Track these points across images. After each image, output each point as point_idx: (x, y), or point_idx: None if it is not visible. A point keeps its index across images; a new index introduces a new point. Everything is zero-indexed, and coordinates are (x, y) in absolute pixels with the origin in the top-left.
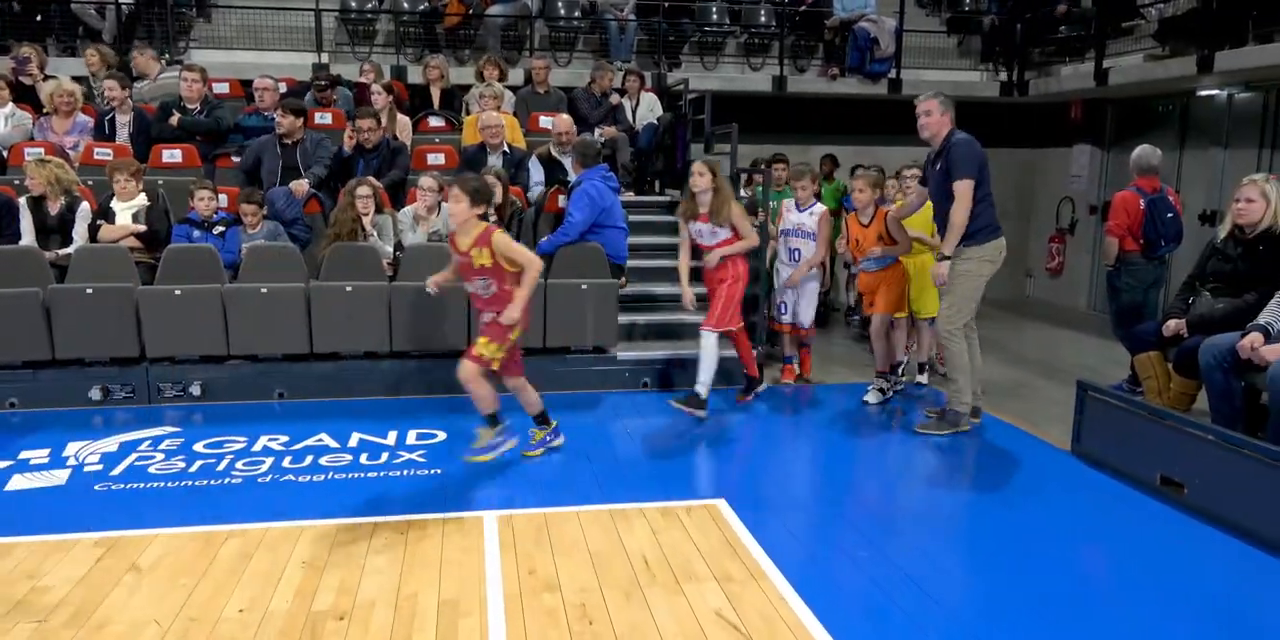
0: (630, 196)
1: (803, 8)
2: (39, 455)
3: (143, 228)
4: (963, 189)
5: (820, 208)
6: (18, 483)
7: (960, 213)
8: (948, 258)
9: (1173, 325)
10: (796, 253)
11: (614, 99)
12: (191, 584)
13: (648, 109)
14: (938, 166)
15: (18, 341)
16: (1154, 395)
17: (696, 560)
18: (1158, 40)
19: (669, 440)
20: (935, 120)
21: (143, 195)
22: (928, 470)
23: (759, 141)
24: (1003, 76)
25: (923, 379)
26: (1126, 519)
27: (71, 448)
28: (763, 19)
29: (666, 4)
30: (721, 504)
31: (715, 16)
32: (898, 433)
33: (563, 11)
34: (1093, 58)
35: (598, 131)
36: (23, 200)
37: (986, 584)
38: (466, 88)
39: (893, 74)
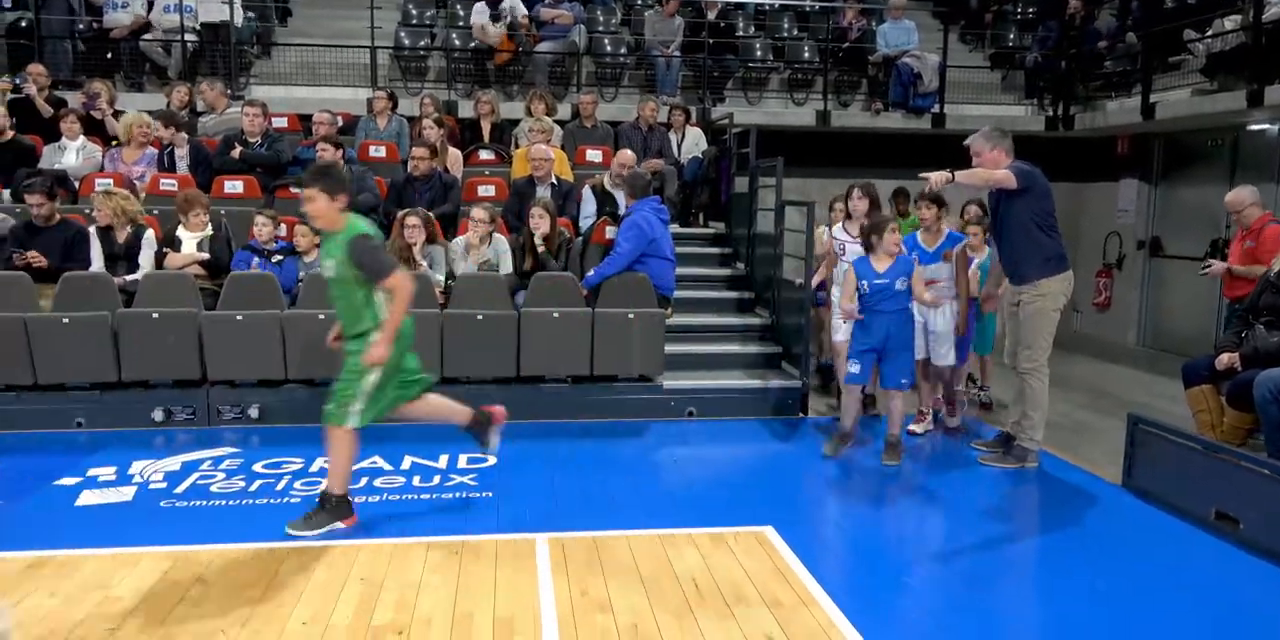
0: (675, 228)
1: (846, 44)
2: (106, 472)
3: (206, 256)
4: (1000, 174)
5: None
6: (87, 498)
7: (991, 173)
8: (952, 179)
9: (1225, 359)
10: None
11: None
12: (255, 597)
13: (693, 143)
14: (998, 198)
15: (87, 363)
16: (1206, 429)
17: (746, 585)
18: (1205, 75)
19: (715, 468)
20: (988, 157)
21: (208, 226)
22: (978, 502)
23: (803, 175)
24: (1048, 111)
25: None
26: (1179, 554)
27: (137, 466)
28: (806, 55)
29: (711, 41)
30: (769, 531)
31: (759, 53)
32: (949, 465)
33: (609, 48)
34: (1139, 92)
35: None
36: (92, 229)
37: (1036, 616)
38: (516, 122)
39: (936, 109)
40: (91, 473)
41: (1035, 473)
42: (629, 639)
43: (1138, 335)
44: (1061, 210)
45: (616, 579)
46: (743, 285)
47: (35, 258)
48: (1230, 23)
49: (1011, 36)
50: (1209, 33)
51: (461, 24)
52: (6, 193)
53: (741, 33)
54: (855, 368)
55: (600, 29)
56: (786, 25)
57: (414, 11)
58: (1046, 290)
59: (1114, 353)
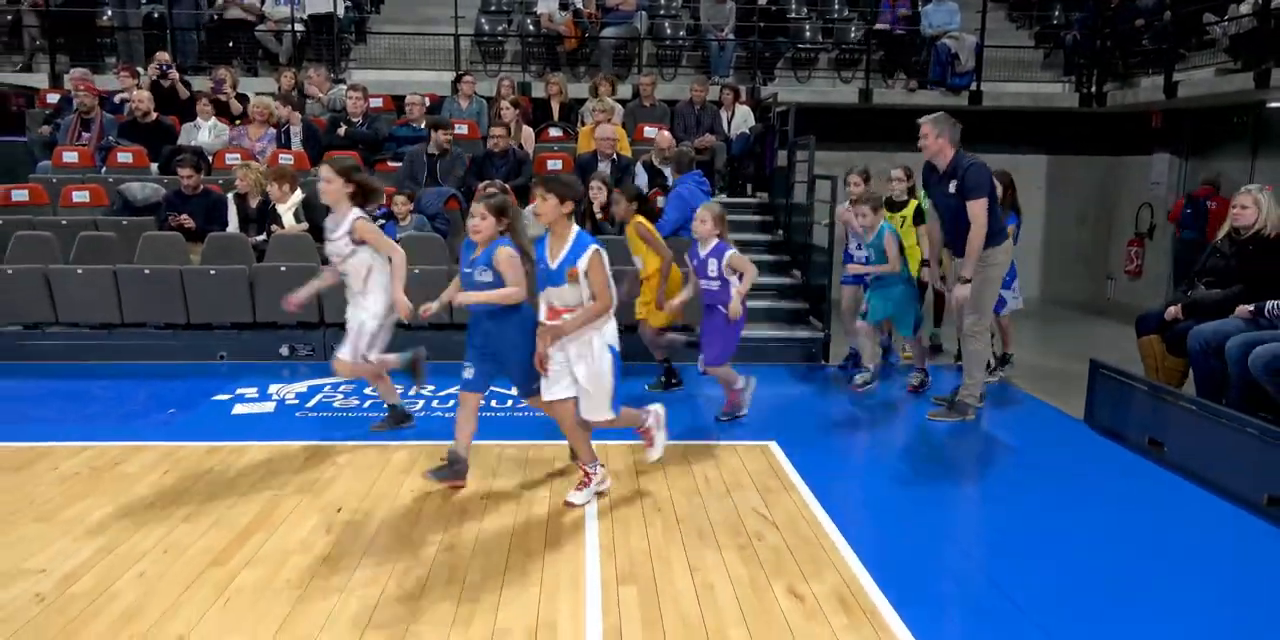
0: (723, 198)
1: (887, 26)
2: (251, 392)
3: (306, 225)
4: (977, 209)
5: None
6: (239, 409)
7: (978, 234)
8: (968, 281)
9: (1171, 311)
10: None
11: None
12: (376, 475)
13: (742, 120)
14: (947, 186)
15: (228, 308)
16: (1151, 373)
17: (744, 477)
18: (1229, 55)
19: None
20: (933, 142)
21: (298, 192)
22: (953, 430)
23: (847, 149)
24: (1083, 88)
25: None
26: (1109, 471)
27: (273, 388)
28: (853, 35)
29: (762, 24)
30: (773, 444)
31: (809, 34)
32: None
33: (669, 31)
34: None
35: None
36: (230, 196)
37: (969, 501)
38: (582, 101)
39: (974, 86)
40: (239, 392)
41: (1014, 411)
42: (650, 508)
43: (1167, 302)
44: (1096, 182)
45: (644, 473)
46: (780, 249)
47: (186, 220)
48: (1246, 7)
49: (1056, 15)
50: (1227, 16)
51: (536, 10)
52: (154, 166)
53: (793, 15)
54: (467, 372)
55: (661, 13)
56: (836, 6)
57: None
58: (993, 261)
59: None
